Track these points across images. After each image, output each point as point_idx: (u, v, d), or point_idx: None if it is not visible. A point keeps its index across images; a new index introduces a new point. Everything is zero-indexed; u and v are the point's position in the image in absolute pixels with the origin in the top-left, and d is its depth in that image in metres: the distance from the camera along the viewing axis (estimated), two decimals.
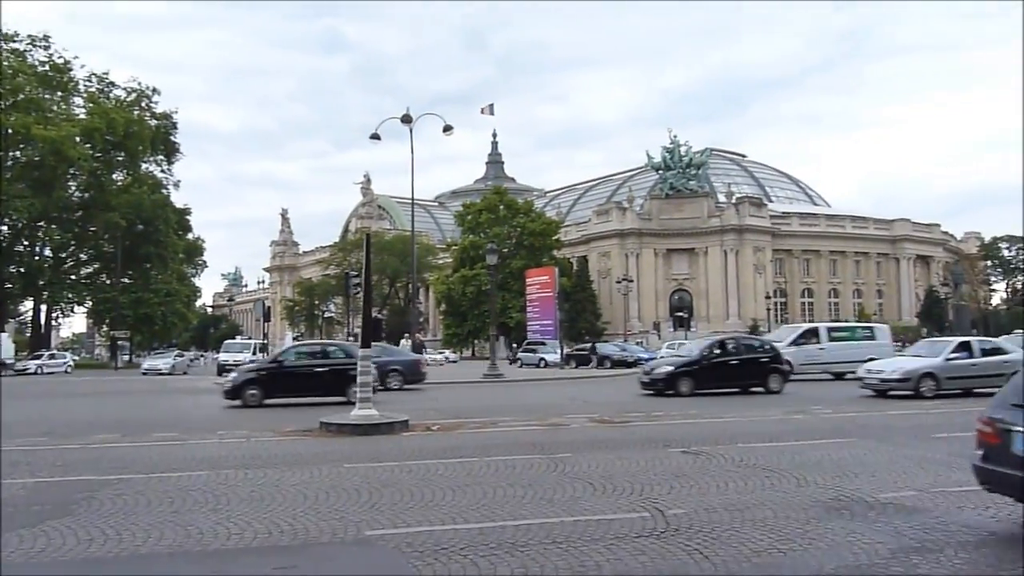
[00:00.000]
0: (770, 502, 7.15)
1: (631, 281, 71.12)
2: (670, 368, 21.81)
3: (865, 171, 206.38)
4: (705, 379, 21.19)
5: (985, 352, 20.23)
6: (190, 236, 62.71)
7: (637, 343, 59.74)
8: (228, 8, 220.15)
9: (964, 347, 20.27)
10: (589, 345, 48.43)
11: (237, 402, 18.60)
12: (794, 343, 28.01)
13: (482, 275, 59.85)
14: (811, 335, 29.11)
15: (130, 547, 5.83)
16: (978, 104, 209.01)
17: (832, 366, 28.00)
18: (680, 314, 77.53)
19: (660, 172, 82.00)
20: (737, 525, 6.31)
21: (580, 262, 79.82)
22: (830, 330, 30.02)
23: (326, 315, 79.53)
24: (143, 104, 56.87)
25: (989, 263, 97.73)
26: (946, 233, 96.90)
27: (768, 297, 75.54)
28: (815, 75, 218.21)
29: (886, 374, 19.73)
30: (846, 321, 77.40)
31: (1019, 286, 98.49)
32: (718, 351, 22.49)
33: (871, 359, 24.91)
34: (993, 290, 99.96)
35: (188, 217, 61.42)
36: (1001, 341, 24.04)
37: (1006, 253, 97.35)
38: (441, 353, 61.11)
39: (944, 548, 5.59)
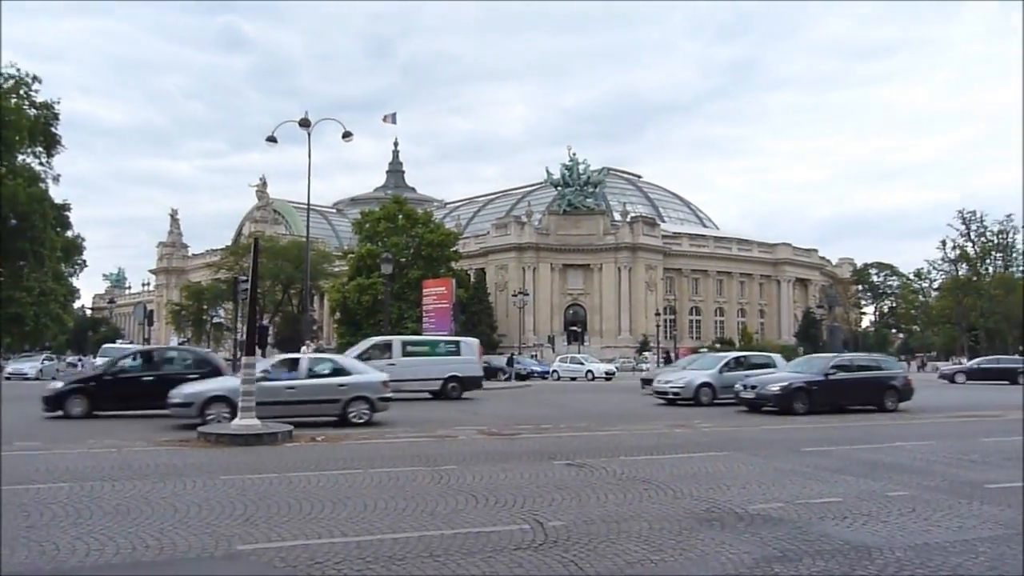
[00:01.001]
0: (646, 514, 7.35)
1: (527, 294, 71.81)
2: (59, 386, 17.97)
3: (749, 195, 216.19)
4: (103, 399, 17.38)
5: (315, 374, 16.90)
6: (69, 233, 59.18)
7: (532, 356, 60.56)
8: None
9: (290, 363, 17.07)
10: None
11: None
12: (359, 357, 24.00)
13: (378, 284, 59.07)
14: (383, 349, 26.72)
15: None
16: (850, 138, 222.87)
17: (404, 384, 23.44)
18: (574, 328, 78.90)
19: (559, 188, 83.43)
20: (613, 537, 6.45)
21: (478, 274, 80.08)
22: (405, 344, 27.90)
23: (215, 320, 76.73)
24: (21, 92, 53.44)
25: (860, 287, 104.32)
26: (823, 258, 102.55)
27: (658, 314, 77.74)
28: (706, 103, 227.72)
29: (176, 399, 15.76)
30: (726, 340, 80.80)
31: (886, 309, 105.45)
32: (126, 366, 18.72)
33: (453, 376, 26.10)
34: (863, 313, 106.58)
35: (67, 213, 57.98)
36: (350, 362, 18.92)
37: (875, 278, 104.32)
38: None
39: (803, 557, 5.88)
